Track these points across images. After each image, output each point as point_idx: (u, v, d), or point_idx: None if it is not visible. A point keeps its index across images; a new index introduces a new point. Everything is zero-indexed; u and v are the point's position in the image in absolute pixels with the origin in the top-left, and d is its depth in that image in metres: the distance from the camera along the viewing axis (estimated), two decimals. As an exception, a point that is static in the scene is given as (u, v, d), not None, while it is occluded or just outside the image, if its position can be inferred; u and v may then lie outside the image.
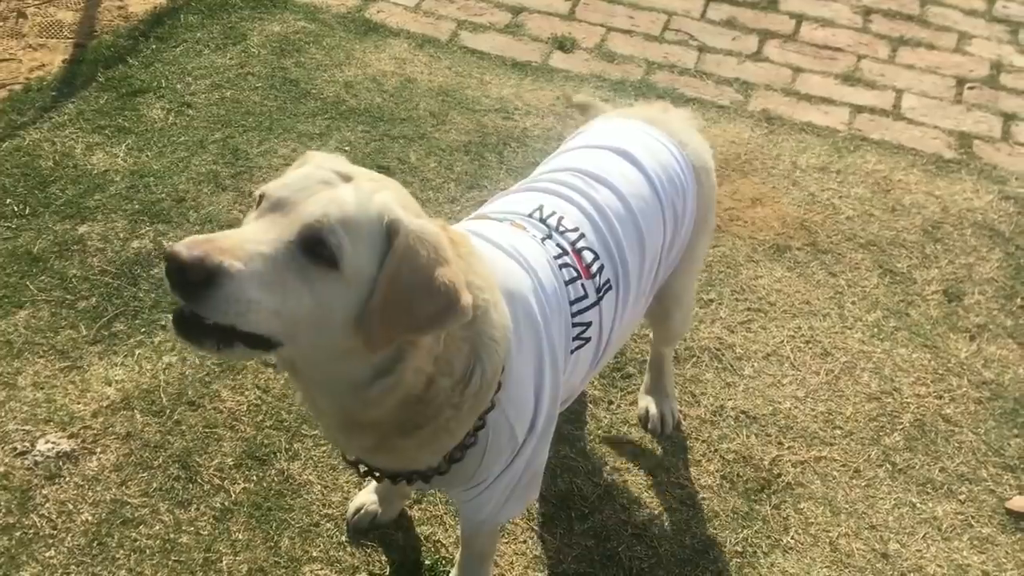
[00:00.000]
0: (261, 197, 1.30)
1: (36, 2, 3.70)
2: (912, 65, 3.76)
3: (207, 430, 2.26)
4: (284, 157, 3.08)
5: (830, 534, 2.20)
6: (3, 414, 2.26)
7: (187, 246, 1.17)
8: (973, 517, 2.27)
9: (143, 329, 2.51)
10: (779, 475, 2.30)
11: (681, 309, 2.21)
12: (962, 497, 2.31)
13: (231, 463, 2.20)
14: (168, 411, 2.31)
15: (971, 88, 3.66)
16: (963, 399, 2.56)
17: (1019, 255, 2.99)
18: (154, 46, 3.50)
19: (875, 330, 2.71)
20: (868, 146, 3.36)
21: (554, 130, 3.30)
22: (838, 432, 2.43)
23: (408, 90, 3.41)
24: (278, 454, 2.22)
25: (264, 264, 1.20)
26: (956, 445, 2.43)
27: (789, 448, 2.37)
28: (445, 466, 1.55)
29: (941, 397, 2.56)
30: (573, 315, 1.68)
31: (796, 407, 2.47)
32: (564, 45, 3.72)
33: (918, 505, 2.28)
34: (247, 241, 1.21)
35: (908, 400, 2.54)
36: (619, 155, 1.90)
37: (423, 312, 1.28)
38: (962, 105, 3.58)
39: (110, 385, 2.36)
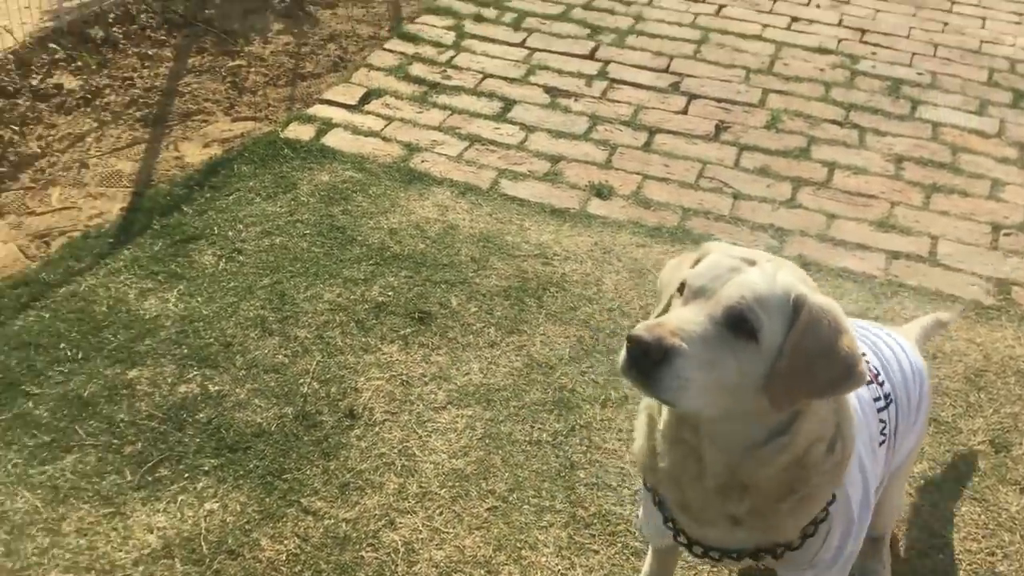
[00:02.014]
0: (683, 285, 1.54)
1: (98, 153, 3.90)
2: (946, 212, 3.81)
3: (245, 581, 2.25)
4: (329, 302, 3.16)
5: None
6: (46, 562, 2.28)
7: (647, 330, 1.41)
8: None
9: (186, 475, 2.53)
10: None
11: (891, 500, 2.29)
12: (1023, 664, 2.21)
13: (268, 616, 2.17)
14: (208, 560, 2.31)
15: (1007, 235, 3.69)
16: (1016, 555, 2.48)
17: (1066, 404, 2.94)
18: (208, 195, 3.66)
19: (921, 482, 2.66)
20: (905, 292, 3.38)
21: (592, 275, 3.36)
22: (889, 591, 2.35)
23: (450, 236, 3.52)
24: (316, 607, 2.20)
25: (701, 342, 1.43)
26: (1013, 607, 2.34)
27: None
28: (798, 541, 1.70)
29: (993, 554, 2.49)
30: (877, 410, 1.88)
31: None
32: (601, 192, 3.83)
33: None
34: (685, 322, 1.44)
35: (959, 557, 2.47)
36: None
37: (824, 377, 1.49)
38: (999, 252, 3.61)
39: (152, 532, 2.37)
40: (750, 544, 1.73)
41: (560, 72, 4.67)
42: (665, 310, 1.62)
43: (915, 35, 5.16)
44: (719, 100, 4.49)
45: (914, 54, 4.96)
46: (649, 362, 1.40)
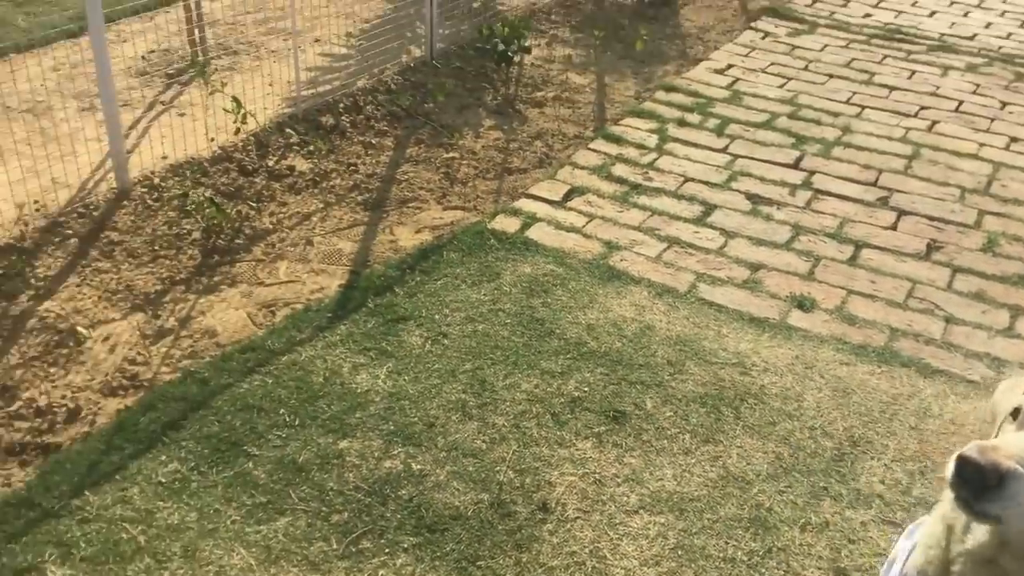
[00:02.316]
0: (1016, 411, 1.56)
1: (322, 232, 4.20)
2: None
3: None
4: (527, 392, 3.24)
5: None
6: (256, 618, 2.40)
7: (979, 452, 1.41)
8: None
9: (387, 550, 2.63)
10: None
11: None
12: None
13: None
14: (402, 637, 2.37)
15: None
16: None
17: None
18: (418, 278, 3.86)
19: None
20: None
21: (793, 390, 3.29)
22: None
23: (646, 336, 3.54)
24: None
25: None
26: None
27: None
28: None
29: None
30: None
31: None
32: (803, 304, 3.77)
33: None
34: (1022, 449, 1.45)
35: None
36: None
37: None
38: None
39: (352, 602, 2.46)
40: None
41: (762, 180, 4.67)
42: (998, 433, 1.64)
43: None
44: (931, 218, 4.35)
45: None
46: (981, 484, 1.42)
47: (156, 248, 3.94)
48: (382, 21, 6.25)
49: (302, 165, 4.67)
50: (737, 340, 3.55)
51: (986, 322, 3.69)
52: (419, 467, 2.92)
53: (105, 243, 3.94)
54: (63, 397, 3.15)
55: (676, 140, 5.03)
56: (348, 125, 5.05)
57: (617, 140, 5.02)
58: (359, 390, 3.23)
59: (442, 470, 2.91)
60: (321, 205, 4.39)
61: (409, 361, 3.39)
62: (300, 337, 3.50)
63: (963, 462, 1.42)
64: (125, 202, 4.20)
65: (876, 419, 3.19)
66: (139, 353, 3.39)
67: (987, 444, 1.45)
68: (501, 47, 5.52)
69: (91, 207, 4.14)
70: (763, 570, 2.63)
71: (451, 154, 4.86)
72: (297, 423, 3.07)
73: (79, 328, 3.44)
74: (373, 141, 4.94)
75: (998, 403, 1.74)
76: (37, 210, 4.09)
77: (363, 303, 3.70)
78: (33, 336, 3.40)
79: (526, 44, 5.60)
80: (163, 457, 2.92)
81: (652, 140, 5.03)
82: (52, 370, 3.27)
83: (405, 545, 2.65)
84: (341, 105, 5.18)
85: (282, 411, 3.12)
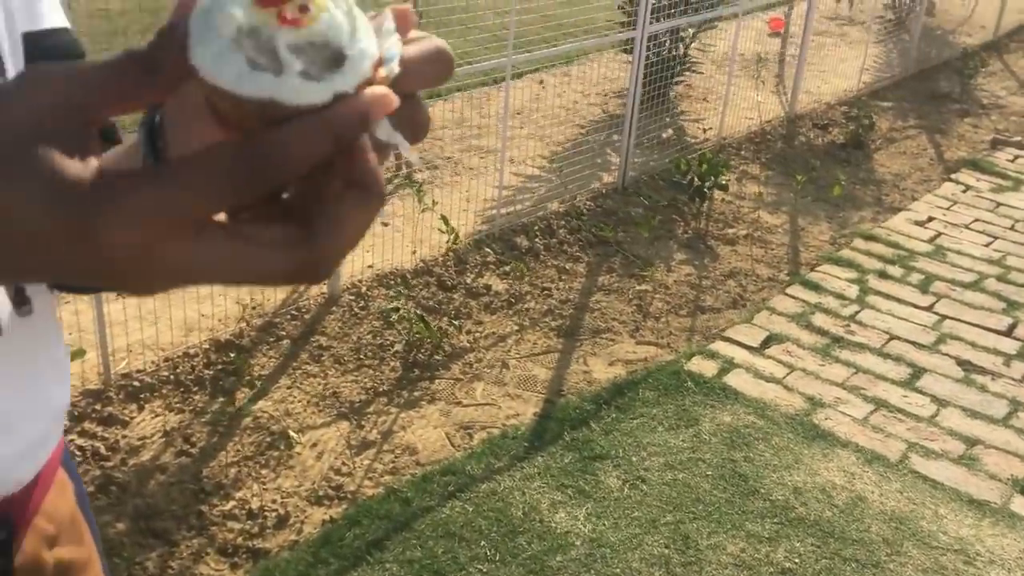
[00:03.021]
0: None
1: (517, 355, 4.24)
2: None
3: None
4: (733, 555, 3.10)
5: None
6: None
7: None
8: None
9: None
10: None
11: None
12: None
13: None
14: None
15: None
16: None
17: None
18: (614, 414, 3.81)
19: None
20: None
21: (1025, 590, 3.04)
22: None
23: (859, 509, 3.36)
24: None
25: None
26: None
27: None
28: None
29: None
30: None
31: None
32: (1028, 491, 3.51)
33: None
34: None
35: None
36: None
37: None
38: None
39: None
40: None
41: (974, 345, 4.44)
42: None
43: None
44: None
45: None
46: None
47: (361, 357, 4.05)
48: (574, 146, 6.40)
49: (498, 285, 4.75)
50: (957, 524, 3.32)
51: None
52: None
53: (315, 347, 4.08)
54: (273, 501, 3.22)
55: (878, 293, 4.87)
56: (542, 248, 5.13)
57: (815, 287, 4.90)
58: (559, 530, 3.17)
59: (646, 631, 2.80)
60: (516, 328, 4.43)
61: (608, 504, 3.31)
62: (498, 465, 3.49)
63: None
64: (334, 308, 4.36)
65: (1124, 637, 2.89)
66: (344, 463, 3.45)
67: None
68: (697, 182, 5.54)
69: (303, 310, 4.32)
70: None
71: (643, 286, 4.86)
72: (498, 558, 3.03)
73: (291, 432, 3.54)
74: (566, 266, 5.00)
75: None
76: (254, 308, 4.29)
77: (559, 435, 3.67)
78: (247, 435, 3.52)
79: (723, 181, 5.61)
80: (366, 578, 2.93)
81: (852, 291, 4.88)
82: (264, 472, 3.36)
83: None
84: (536, 227, 5.28)
85: (483, 543, 3.09)
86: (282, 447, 3.48)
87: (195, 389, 3.71)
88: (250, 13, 0.43)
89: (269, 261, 0.47)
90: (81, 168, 0.44)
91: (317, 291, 4.49)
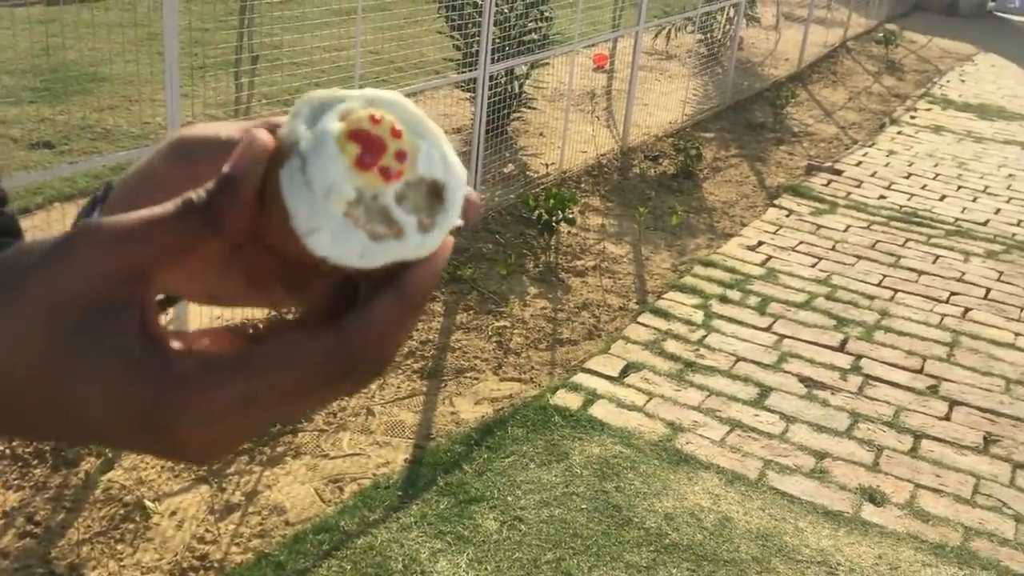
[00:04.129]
0: None
1: (382, 401, 4.15)
2: None
3: None
4: (615, 588, 3.14)
5: None
6: None
7: None
8: None
9: None
10: None
11: None
12: None
13: None
14: None
15: None
16: None
17: None
18: (485, 455, 3.80)
19: None
20: None
21: (883, 594, 3.23)
22: None
23: (727, 529, 3.48)
24: None
25: None
26: None
27: None
28: None
29: None
30: None
31: None
32: (874, 498, 3.75)
33: None
34: None
35: None
36: None
37: None
38: None
39: None
40: None
41: (812, 362, 4.72)
42: None
43: None
44: (982, 410, 4.41)
45: None
46: None
47: (217, 413, 3.85)
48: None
49: (355, 329, 4.64)
50: (817, 536, 3.50)
51: (1057, 523, 3.69)
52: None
53: (166, 407, 3.84)
54: (134, 579, 3.00)
55: (721, 317, 5.11)
56: (397, 288, 5.06)
57: (664, 315, 5.08)
58: (442, 580, 3.11)
59: (539, 675, 2.78)
60: (378, 372, 4.34)
61: (488, 548, 3.28)
62: (372, 517, 3.39)
63: None
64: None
65: (971, 628, 3.12)
66: (207, 530, 3.26)
67: None
68: (545, 216, 5.65)
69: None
70: None
71: (501, 322, 4.88)
72: (382, 616, 2.94)
73: (146, 501, 3.31)
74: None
75: None
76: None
77: (432, 481, 3.62)
78: (98, 509, 3.26)
79: (570, 215, 5.74)
80: (245, 652, 2.76)
81: (698, 316, 5.10)
82: (119, 547, 3.12)
83: None
84: (388, 267, 5.21)
85: (365, 602, 2.99)
86: (138, 518, 3.25)
87: (34, 462, 3.41)
88: (353, 178, 0.39)
89: (295, 358, 0.41)
90: (164, 344, 0.39)
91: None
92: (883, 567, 3.36)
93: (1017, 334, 5.14)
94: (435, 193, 0.42)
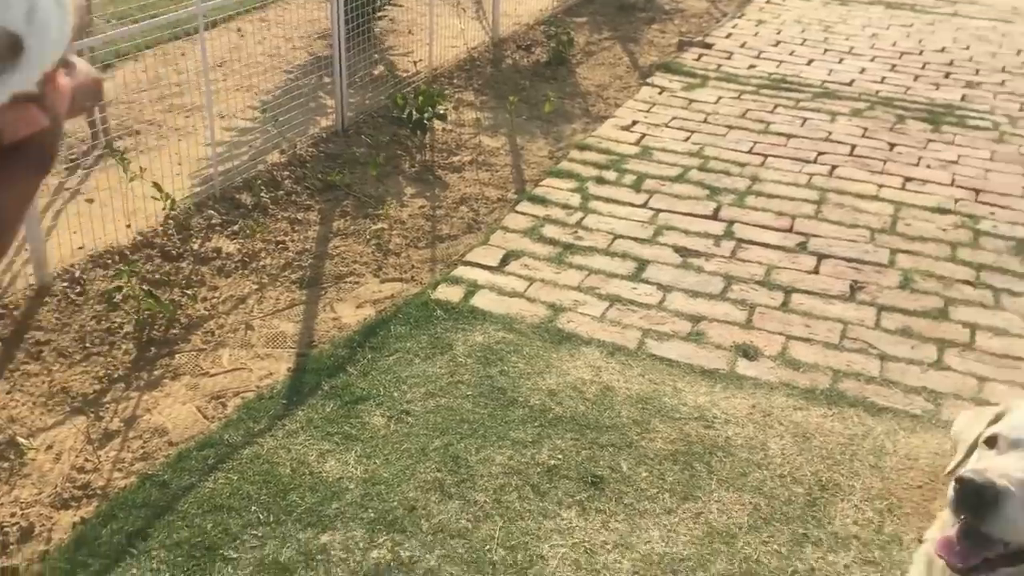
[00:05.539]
0: (991, 439, 1.71)
1: (260, 314, 4.09)
2: (1099, 374, 3.80)
3: None
4: (502, 464, 3.22)
5: None
6: None
7: (976, 474, 1.58)
8: None
9: (392, 646, 2.55)
10: None
11: None
12: None
13: None
14: None
15: None
16: None
17: None
18: (369, 356, 3.80)
19: None
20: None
21: (756, 439, 3.39)
22: None
23: (608, 397, 3.59)
24: None
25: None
26: None
27: None
28: None
29: None
30: None
31: None
32: (748, 353, 3.90)
33: None
34: (1010, 469, 1.60)
35: None
36: None
37: None
38: None
39: None
40: None
41: (687, 232, 4.82)
42: (965, 457, 1.80)
43: (1030, 194, 5.26)
44: (848, 260, 4.59)
45: (1033, 213, 5.05)
46: (979, 501, 1.56)
47: (87, 345, 3.75)
48: (284, 93, 6.18)
49: (228, 246, 4.54)
50: (695, 394, 3.64)
51: (917, 357, 3.91)
52: (408, 554, 2.85)
53: (31, 344, 3.72)
54: (12, 515, 2.93)
55: (598, 198, 5.15)
56: (269, 201, 4.95)
57: (542, 201, 5.10)
58: (330, 479, 3.14)
59: (432, 555, 2.85)
60: (255, 287, 4.27)
61: (376, 443, 3.32)
62: (257, 428, 3.38)
63: (963, 483, 1.58)
64: (46, 298, 3.98)
65: (838, 461, 3.31)
66: (87, 460, 3.20)
67: (981, 467, 1.62)
68: (416, 115, 5.55)
69: (10, 306, 3.91)
70: (763, 623, 2.68)
71: (379, 225, 4.83)
72: (272, 520, 2.96)
73: (19, 439, 3.22)
74: (298, 216, 4.86)
75: (960, 433, 1.91)
76: (-50, 313, 3.83)
77: (317, 386, 3.61)
78: (-33, 452, 3.17)
79: (441, 111, 5.65)
80: (134, 571, 2.76)
81: (575, 199, 5.13)
82: (-6, 487, 3.05)
83: (408, 639, 2.58)
84: (259, 181, 5.08)
85: (254, 509, 3.00)
86: (12, 456, 3.17)
87: None
88: None
89: None
90: None
91: (24, 283, 4.08)
92: (757, 415, 3.53)
93: (880, 186, 5.33)
94: (12, 47, 0.38)
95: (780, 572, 2.85)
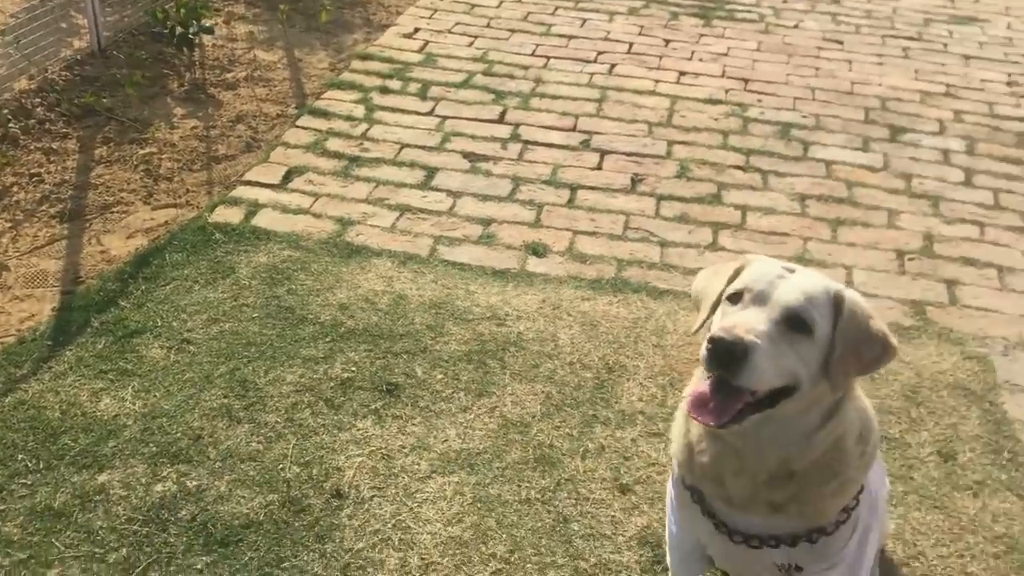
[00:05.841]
0: (736, 293, 1.77)
1: (17, 253, 3.75)
2: (853, 243, 4.11)
3: None
4: (293, 383, 3.13)
5: None
6: None
7: (725, 331, 1.66)
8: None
9: (179, 575, 2.45)
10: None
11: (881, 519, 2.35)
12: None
13: None
14: (222, 663, 2.23)
15: (911, 259, 4.01)
16: (983, 555, 2.68)
17: (994, 411, 3.21)
18: (144, 287, 3.57)
19: (887, 498, 2.84)
20: (834, 320, 3.61)
21: (547, 332, 3.45)
22: (882, 602, 2.50)
23: (401, 306, 3.55)
24: None
25: (768, 339, 1.68)
26: (992, 601, 2.52)
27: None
28: (832, 527, 1.90)
29: (963, 556, 2.68)
30: None
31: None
32: (537, 251, 3.95)
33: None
34: (754, 323, 1.69)
35: (934, 563, 2.65)
36: None
37: (869, 355, 1.77)
38: (907, 275, 3.91)
39: (157, 642, 2.27)
40: (788, 530, 1.89)
41: (474, 137, 4.79)
42: (710, 314, 1.85)
43: (793, 81, 5.56)
44: (629, 154, 4.71)
45: (796, 99, 5.34)
46: (730, 357, 1.65)
47: None
48: (27, 12, 5.60)
49: (-26, 182, 4.11)
50: (487, 295, 3.65)
51: (693, 241, 4.08)
52: (195, 483, 2.73)
53: None
54: None
55: (383, 108, 5.02)
56: (19, 132, 4.51)
57: (324, 115, 4.91)
58: (105, 417, 2.95)
59: (221, 481, 2.75)
60: (8, 224, 3.90)
61: (156, 376, 3.14)
62: (20, 373, 3.12)
63: (714, 342, 1.65)
64: None
65: (624, 344, 3.43)
66: None
67: (729, 323, 1.69)
68: (180, 30, 5.17)
69: None
70: (556, 503, 2.77)
71: (147, 149, 4.51)
72: (42, 466, 2.75)
73: None
74: (54, 146, 4.46)
75: (702, 291, 1.93)
76: None
77: (86, 323, 3.37)
78: None
79: (207, 25, 5.29)
80: None
81: (359, 111, 4.97)
82: None
83: (198, 566, 2.49)
84: (5, 111, 4.61)
85: (21, 457, 2.78)
86: None
87: None
88: None
89: None
90: None
91: None
92: (547, 308, 3.59)
93: (656, 81, 5.48)
94: None
95: (572, 453, 2.94)
